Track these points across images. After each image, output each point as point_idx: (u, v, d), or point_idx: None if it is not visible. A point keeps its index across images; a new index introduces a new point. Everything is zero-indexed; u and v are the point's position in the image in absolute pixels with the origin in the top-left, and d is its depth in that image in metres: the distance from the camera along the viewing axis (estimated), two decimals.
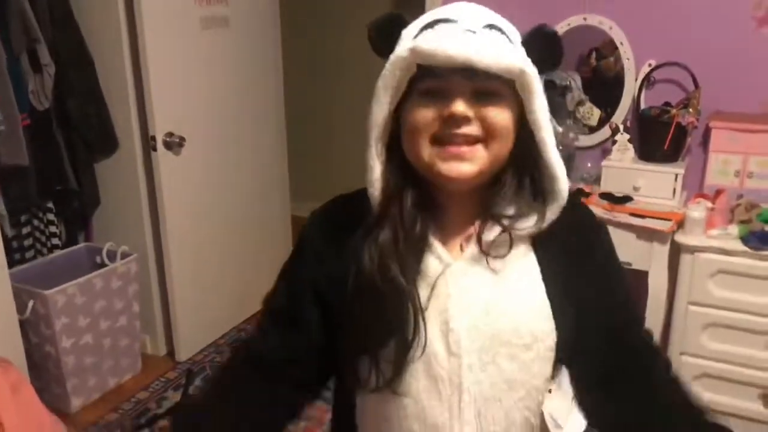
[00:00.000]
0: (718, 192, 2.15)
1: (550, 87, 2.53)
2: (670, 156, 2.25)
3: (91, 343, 2.47)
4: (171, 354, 2.80)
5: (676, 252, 2.13)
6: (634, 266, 2.15)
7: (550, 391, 0.88)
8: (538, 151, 0.85)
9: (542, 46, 0.84)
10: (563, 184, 0.85)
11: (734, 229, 2.04)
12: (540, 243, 0.88)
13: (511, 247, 0.85)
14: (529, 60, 0.83)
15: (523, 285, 0.86)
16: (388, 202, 0.85)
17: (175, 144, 2.52)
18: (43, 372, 2.41)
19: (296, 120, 3.86)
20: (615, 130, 2.34)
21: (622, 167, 2.28)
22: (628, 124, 2.36)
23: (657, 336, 2.24)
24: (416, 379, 0.85)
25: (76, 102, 2.52)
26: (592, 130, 2.51)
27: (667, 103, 2.32)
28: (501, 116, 0.82)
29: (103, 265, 2.56)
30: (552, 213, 0.85)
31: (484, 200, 0.86)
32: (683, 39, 2.31)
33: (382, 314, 0.82)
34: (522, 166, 0.86)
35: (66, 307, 2.34)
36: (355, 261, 0.84)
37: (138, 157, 2.60)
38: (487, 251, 0.84)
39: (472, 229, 0.86)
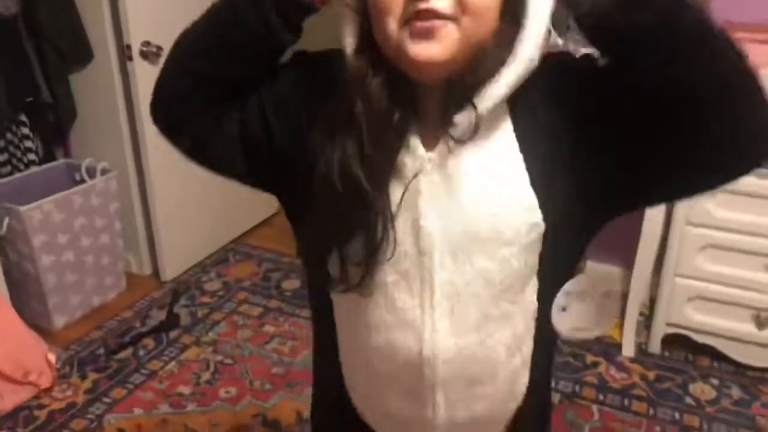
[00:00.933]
0: None
1: None
2: None
3: (72, 261, 2.40)
4: (156, 274, 2.75)
5: None
6: None
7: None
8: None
9: None
10: (528, 53, 0.72)
11: None
12: (521, 129, 0.77)
13: (476, 127, 0.72)
14: None
15: (502, 178, 0.76)
16: (357, 93, 0.74)
17: (152, 54, 2.37)
18: (23, 290, 2.36)
19: None
20: None
21: None
22: None
23: (653, 257, 2.20)
24: (384, 275, 0.78)
25: (46, 7, 2.36)
26: None
27: None
28: None
29: (82, 181, 2.47)
30: (514, 76, 0.72)
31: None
32: None
33: (348, 216, 0.75)
34: (506, 46, 0.72)
35: (43, 224, 2.27)
36: (319, 154, 0.75)
37: (114, 68, 2.46)
38: (461, 138, 0.73)
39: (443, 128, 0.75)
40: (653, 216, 2.07)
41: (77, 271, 2.43)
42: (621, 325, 2.32)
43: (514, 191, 0.76)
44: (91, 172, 2.49)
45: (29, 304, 2.37)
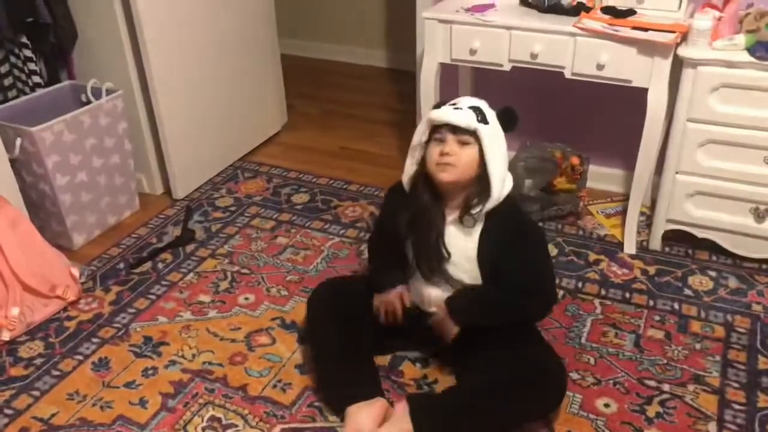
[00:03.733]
0: (727, 1, 2.03)
1: None
2: None
3: (86, 181, 2.46)
4: (168, 193, 2.81)
5: (678, 69, 2.05)
6: (634, 83, 2.09)
7: None
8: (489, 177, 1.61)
9: (502, 119, 1.63)
10: (495, 196, 1.62)
11: (741, 39, 1.95)
12: (484, 232, 1.67)
13: (475, 222, 1.66)
14: (489, 125, 1.59)
15: (472, 242, 1.68)
16: (416, 193, 1.70)
17: None
18: (42, 211, 2.43)
19: None
20: None
21: None
22: None
23: (655, 155, 2.24)
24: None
25: None
26: None
27: None
28: (466, 153, 1.59)
29: (88, 102, 2.49)
30: (489, 205, 1.63)
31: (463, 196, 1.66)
32: None
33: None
34: (480, 181, 1.62)
35: (55, 145, 2.31)
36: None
37: None
38: (461, 220, 1.67)
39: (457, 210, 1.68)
40: (655, 113, 2.09)
41: (92, 191, 2.49)
42: (622, 225, 2.40)
43: (473, 248, 1.69)
44: (97, 93, 2.50)
45: (48, 224, 2.44)
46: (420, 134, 1.66)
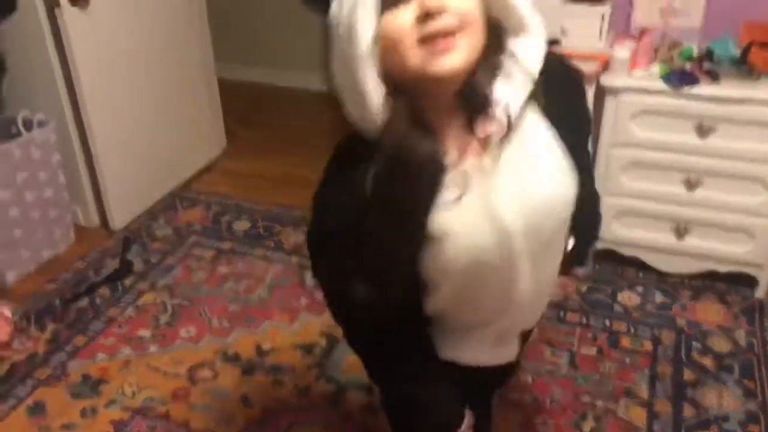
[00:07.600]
0: (643, 32, 2.15)
1: None
2: None
3: (18, 216, 2.40)
4: (104, 224, 2.76)
5: (601, 96, 2.16)
6: None
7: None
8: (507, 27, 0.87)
9: None
10: (538, 37, 0.88)
11: (657, 69, 2.07)
12: (543, 107, 0.91)
13: (510, 129, 0.87)
14: None
15: (547, 154, 0.92)
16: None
17: None
18: None
19: None
20: None
21: (549, 5, 2.23)
22: None
23: None
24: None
25: None
26: None
27: None
28: (466, 4, 0.81)
29: (19, 134, 2.43)
30: (538, 58, 0.88)
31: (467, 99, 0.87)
32: None
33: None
34: (495, 52, 0.86)
35: None
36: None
37: (41, 15, 2.38)
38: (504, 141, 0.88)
39: (473, 134, 0.88)
40: None
41: (24, 226, 2.43)
42: None
43: (558, 164, 0.92)
44: (28, 125, 2.45)
45: None
46: (360, 31, 0.81)
